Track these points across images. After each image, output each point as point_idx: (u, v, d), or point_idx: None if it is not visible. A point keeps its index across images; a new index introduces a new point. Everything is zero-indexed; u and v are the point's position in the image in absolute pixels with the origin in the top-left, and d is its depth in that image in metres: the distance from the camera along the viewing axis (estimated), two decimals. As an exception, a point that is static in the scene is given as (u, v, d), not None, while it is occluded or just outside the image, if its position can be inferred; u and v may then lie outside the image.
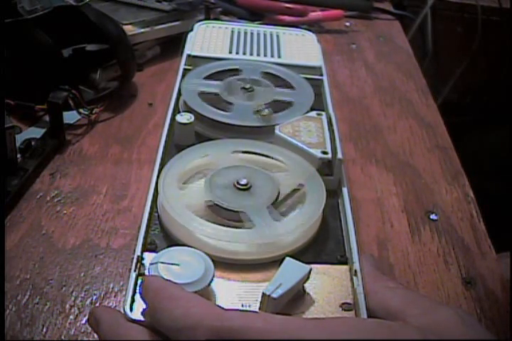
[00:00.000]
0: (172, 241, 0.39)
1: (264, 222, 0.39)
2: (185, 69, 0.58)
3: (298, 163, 0.45)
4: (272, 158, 0.45)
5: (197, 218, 0.39)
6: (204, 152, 0.45)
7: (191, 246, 0.37)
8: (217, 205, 0.40)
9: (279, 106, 0.52)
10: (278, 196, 0.41)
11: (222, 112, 0.50)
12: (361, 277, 0.37)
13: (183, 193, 0.41)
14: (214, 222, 0.39)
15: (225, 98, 0.52)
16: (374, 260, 0.38)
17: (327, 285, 0.38)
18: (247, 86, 0.54)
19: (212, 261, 0.36)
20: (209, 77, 0.56)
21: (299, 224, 0.39)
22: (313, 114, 0.51)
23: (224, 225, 0.39)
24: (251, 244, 0.38)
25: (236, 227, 0.39)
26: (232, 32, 0.66)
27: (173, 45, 0.71)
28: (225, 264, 0.38)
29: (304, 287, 0.37)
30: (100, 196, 0.50)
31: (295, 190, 0.43)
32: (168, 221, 0.40)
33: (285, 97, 0.53)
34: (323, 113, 0.51)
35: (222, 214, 0.40)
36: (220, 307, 0.30)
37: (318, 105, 0.54)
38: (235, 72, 0.57)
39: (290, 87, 0.55)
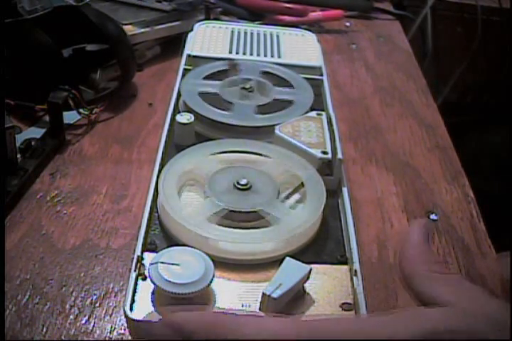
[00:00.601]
0: (172, 241, 0.39)
1: (286, 213, 0.39)
2: (185, 69, 0.59)
3: (298, 163, 0.45)
4: (272, 157, 0.45)
5: (213, 225, 0.39)
6: (203, 152, 0.45)
7: (191, 246, 0.37)
8: (229, 210, 0.40)
9: (279, 106, 0.52)
10: (278, 194, 0.41)
11: (222, 112, 0.51)
12: (361, 277, 0.37)
13: (184, 197, 0.41)
14: (226, 226, 0.39)
15: (224, 98, 0.52)
16: (427, 227, 0.34)
17: (327, 285, 0.38)
18: (247, 86, 0.54)
19: (212, 261, 0.36)
20: (209, 77, 0.56)
21: (299, 223, 0.39)
22: (313, 114, 0.51)
23: (236, 227, 0.39)
24: (278, 240, 0.38)
25: (252, 227, 0.39)
26: (232, 32, 0.66)
27: (173, 45, 0.71)
28: (225, 264, 0.38)
29: (303, 287, 0.37)
30: (100, 196, 0.50)
31: (295, 188, 0.43)
32: (168, 221, 0.40)
33: (285, 96, 0.53)
34: (323, 113, 0.51)
35: (235, 218, 0.40)
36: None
37: (318, 105, 0.54)
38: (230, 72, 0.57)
39: (290, 86, 0.55)
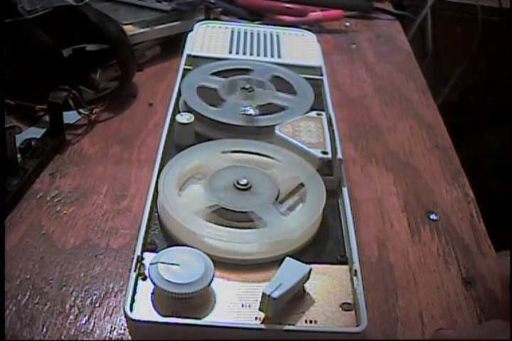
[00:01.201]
0: (172, 241, 0.39)
1: (275, 219, 0.39)
2: (185, 69, 0.58)
3: (298, 163, 0.45)
4: (272, 158, 0.45)
5: (203, 221, 0.39)
6: (204, 152, 0.45)
7: (191, 246, 0.37)
8: (222, 208, 0.40)
9: (279, 107, 0.52)
10: (278, 194, 0.41)
11: (222, 112, 0.50)
12: (361, 277, 0.38)
13: (184, 198, 0.41)
14: (219, 224, 0.39)
15: (222, 95, 0.52)
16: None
17: (327, 285, 0.38)
18: (247, 86, 0.54)
19: (212, 261, 0.36)
20: (213, 74, 0.56)
21: (299, 223, 0.39)
22: (313, 114, 0.51)
23: (229, 227, 0.39)
24: (264, 243, 0.38)
25: (244, 228, 0.39)
26: (232, 32, 0.66)
27: (173, 45, 0.71)
28: (225, 264, 0.38)
29: (303, 287, 0.37)
30: (100, 196, 0.50)
31: (295, 189, 0.43)
32: (168, 221, 0.40)
33: (281, 102, 0.53)
34: (323, 113, 0.51)
35: (227, 216, 0.40)
36: None
37: (318, 105, 0.54)
38: (245, 71, 0.57)
39: (291, 90, 0.55)
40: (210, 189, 0.41)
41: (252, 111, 0.49)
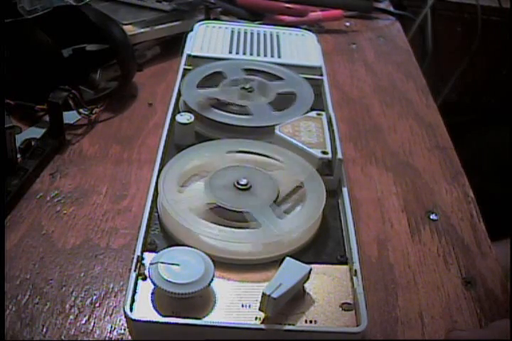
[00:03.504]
0: (172, 241, 0.39)
1: (269, 221, 0.39)
2: (185, 69, 0.58)
3: (298, 163, 0.45)
4: (272, 158, 0.45)
5: (198, 218, 0.39)
6: (203, 152, 0.45)
7: (191, 246, 0.37)
8: (220, 207, 0.40)
9: (280, 107, 0.52)
10: (278, 195, 0.41)
11: (222, 112, 0.51)
12: (361, 277, 0.38)
13: (183, 194, 0.41)
14: (216, 223, 0.39)
15: (224, 98, 0.52)
16: None
17: (327, 285, 0.38)
18: (247, 86, 0.54)
19: (212, 261, 0.36)
20: (209, 77, 0.56)
21: (299, 223, 0.39)
22: (313, 114, 0.51)
23: (226, 226, 0.39)
24: (257, 243, 0.38)
25: (240, 227, 0.39)
26: (232, 32, 0.66)
27: (173, 45, 0.71)
28: (225, 264, 0.38)
29: (304, 287, 0.37)
30: (100, 196, 0.50)
31: (295, 189, 0.43)
32: (168, 221, 0.40)
33: (280, 102, 0.53)
34: (323, 113, 0.51)
35: (224, 215, 0.40)
36: None
37: (318, 105, 0.54)
38: (245, 71, 0.57)
39: (292, 92, 0.55)
40: (210, 188, 0.41)
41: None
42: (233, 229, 0.38)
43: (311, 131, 0.48)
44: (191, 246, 0.37)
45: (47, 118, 0.58)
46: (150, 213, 0.41)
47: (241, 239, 0.38)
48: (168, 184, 0.41)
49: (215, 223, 0.39)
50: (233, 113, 0.51)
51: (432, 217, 0.51)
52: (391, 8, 0.98)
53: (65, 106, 0.55)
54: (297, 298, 0.36)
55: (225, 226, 0.39)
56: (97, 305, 0.41)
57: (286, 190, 0.43)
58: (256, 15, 0.83)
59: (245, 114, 0.51)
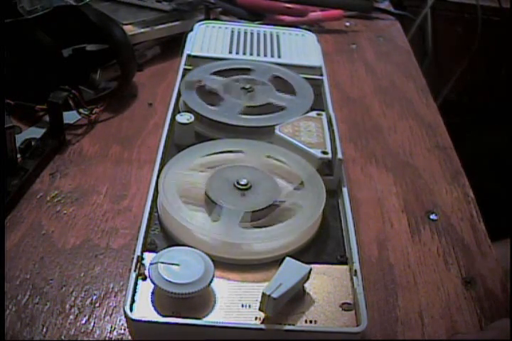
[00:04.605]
0: (172, 241, 0.39)
1: (274, 220, 0.39)
2: (185, 69, 0.58)
3: (298, 163, 0.45)
4: (273, 157, 0.45)
5: (198, 218, 0.39)
6: (203, 152, 0.45)
7: (191, 246, 0.37)
8: (220, 206, 0.40)
9: (279, 107, 0.52)
10: (278, 195, 0.41)
11: (222, 112, 0.50)
12: (361, 277, 0.38)
13: (183, 194, 0.41)
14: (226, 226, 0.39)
15: (224, 98, 0.52)
16: None
17: (327, 285, 0.38)
18: (247, 86, 0.54)
19: (212, 261, 0.36)
20: (216, 74, 0.56)
21: (299, 224, 0.39)
22: (313, 114, 0.51)
23: (229, 226, 0.39)
24: (263, 243, 0.38)
25: (243, 227, 0.39)
26: (232, 32, 0.66)
27: (173, 45, 0.71)
28: (225, 264, 0.38)
29: (304, 287, 0.37)
30: (100, 196, 0.50)
31: (295, 189, 0.43)
32: (168, 221, 0.40)
33: (281, 102, 0.53)
34: (323, 113, 0.51)
35: (227, 216, 0.40)
36: None
37: (318, 105, 0.54)
38: (245, 71, 0.57)
39: (290, 90, 0.55)
40: (210, 188, 0.41)
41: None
42: (240, 230, 0.38)
43: (311, 131, 0.48)
44: (191, 246, 0.37)
45: (47, 118, 0.58)
46: (150, 213, 0.41)
47: (248, 239, 0.38)
48: (168, 184, 0.41)
49: (215, 223, 0.39)
50: (233, 113, 0.51)
51: (432, 217, 0.51)
52: (391, 8, 0.98)
53: (65, 106, 0.55)
54: (297, 298, 0.36)
55: (228, 227, 0.39)
56: (97, 305, 0.41)
57: (286, 186, 0.43)
58: (256, 15, 0.83)
59: (246, 114, 0.51)
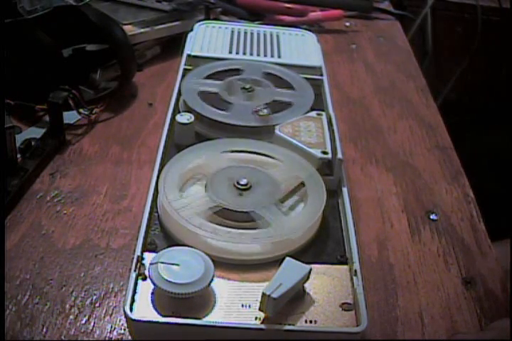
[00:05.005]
0: (172, 241, 0.39)
1: (277, 219, 0.39)
2: (185, 69, 0.59)
3: (298, 163, 0.45)
4: (272, 157, 0.45)
5: (198, 218, 0.39)
6: (203, 152, 0.45)
7: (191, 246, 0.37)
8: (223, 208, 0.40)
9: (279, 106, 0.52)
10: (279, 194, 0.41)
11: (222, 112, 0.51)
12: (361, 277, 0.38)
13: (183, 194, 0.41)
14: (216, 223, 0.39)
15: (224, 98, 0.52)
16: None
17: (327, 285, 0.38)
18: (247, 86, 0.54)
19: (212, 261, 0.36)
20: (210, 77, 0.56)
21: (299, 223, 0.39)
22: (313, 114, 0.51)
23: (227, 226, 0.39)
24: (264, 243, 0.38)
25: (244, 228, 0.39)
26: (232, 32, 0.66)
27: (173, 45, 0.71)
28: (225, 264, 0.38)
29: (304, 287, 0.37)
30: (100, 196, 0.50)
31: (295, 188, 0.43)
32: (168, 221, 0.40)
33: (285, 98, 0.53)
34: (323, 113, 0.51)
35: (228, 216, 0.40)
36: None
37: (318, 105, 0.54)
38: (236, 71, 0.57)
39: (290, 87, 0.55)
40: (210, 189, 0.41)
41: (265, 111, 0.49)
42: (240, 230, 0.38)
43: (311, 131, 0.48)
44: (191, 246, 0.37)
45: (47, 118, 0.58)
46: (150, 213, 0.41)
47: (250, 239, 0.38)
48: (168, 184, 0.41)
49: (215, 223, 0.39)
50: (233, 112, 0.51)
51: (432, 217, 0.51)
52: (391, 8, 0.98)
53: (65, 106, 0.55)
54: (297, 298, 0.36)
55: (229, 227, 0.39)
56: (97, 305, 0.41)
57: (286, 186, 0.43)
58: (256, 15, 0.83)
59: (245, 114, 0.51)
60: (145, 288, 0.36)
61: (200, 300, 0.35)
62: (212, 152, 0.45)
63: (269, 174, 0.43)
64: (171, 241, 0.39)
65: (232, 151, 0.46)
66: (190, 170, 0.44)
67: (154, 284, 0.34)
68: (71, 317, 0.39)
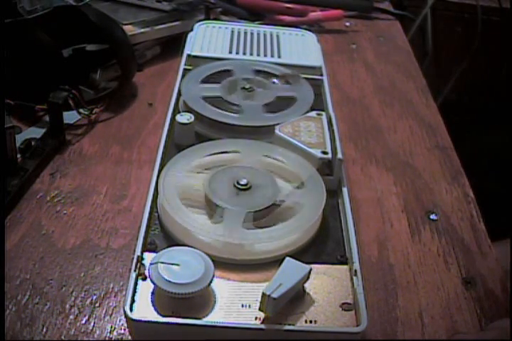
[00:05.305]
0: (172, 241, 0.39)
1: (275, 220, 0.39)
2: (185, 69, 0.59)
3: (298, 163, 0.45)
4: (272, 157, 0.45)
5: (198, 218, 0.39)
6: (203, 152, 0.45)
7: (191, 246, 0.37)
8: (220, 207, 0.40)
9: (280, 106, 0.52)
10: (278, 194, 0.41)
11: (222, 112, 0.51)
12: (361, 277, 0.38)
13: (183, 194, 0.41)
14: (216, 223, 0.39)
15: (224, 98, 0.52)
16: None
17: (327, 285, 0.38)
18: (247, 86, 0.54)
19: (212, 261, 0.36)
20: (209, 78, 0.56)
21: (299, 224, 0.39)
22: (313, 114, 0.51)
23: (229, 227, 0.39)
24: (264, 243, 0.38)
25: (243, 228, 0.39)
26: (232, 32, 0.66)
27: (173, 45, 0.71)
28: (225, 264, 0.38)
29: (304, 287, 0.37)
30: (100, 196, 0.50)
31: (295, 189, 0.43)
32: (168, 221, 0.40)
33: (287, 93, 0.53)
34: (323, 113, 0.51)
35: (227, 216, 0.40)
36: None
37: (318, 105, 0.54)
38: (230, 72, 0.57)
39: (287, 83, 0.56)
40: (210, 188, 0.41)
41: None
42: (240, 230, 0.38)
43: (311, 131, 0.48)
44: (191, 246, 0.37)
45: (47, 118, 0.58)
46: (150, 213, 0.41)
47: (249, 239, 0.38)
48: (168, 184, 0.41)
49: (215, 223, 0.39)
50: (233, 112, 0.51)
51: (432, 217, 0.51)
52: (391, 8, 0.98)
53: (65, 106, 0.55)
54: (297, 298, 0.36)
55: (228, 227, 0.39)
56: (97, 305, 0.41)
57: (286, 186, 0.43)
58: (256, 15, 0.83)
59: (245, 114, 0.51)
60: (145, 288, 0.36)
61: (200, 300, 0.35)
62: (213, 152, 0.45)
63: (269, 174, 0.43)
64: (171, 241, 0.39)
65: (233, 152, 0.46)
66: (191, 170, 0.44)
67: (154, 284, 0.34)
68: (71, 317, 0.39)
